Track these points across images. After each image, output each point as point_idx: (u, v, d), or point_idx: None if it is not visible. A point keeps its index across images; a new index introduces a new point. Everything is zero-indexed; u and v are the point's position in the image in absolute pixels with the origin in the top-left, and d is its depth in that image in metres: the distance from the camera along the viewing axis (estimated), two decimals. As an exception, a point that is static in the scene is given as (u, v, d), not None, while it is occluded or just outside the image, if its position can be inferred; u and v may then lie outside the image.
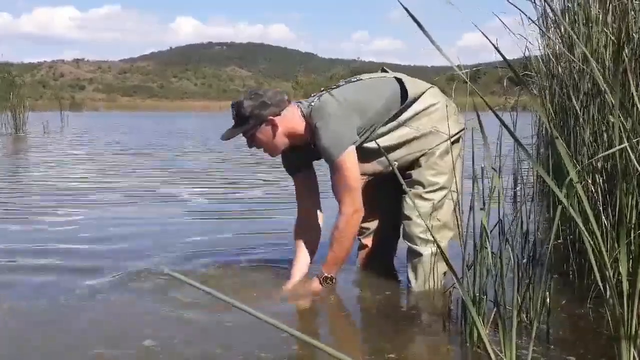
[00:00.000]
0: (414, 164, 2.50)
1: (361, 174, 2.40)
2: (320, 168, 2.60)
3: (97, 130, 17.48)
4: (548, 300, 1.88)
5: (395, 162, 2.44)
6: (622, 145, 1.44)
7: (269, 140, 2.44)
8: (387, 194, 2.60)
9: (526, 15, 2.10)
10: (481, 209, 1.78)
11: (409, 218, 2.48)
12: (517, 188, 3.97)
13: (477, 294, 1.82)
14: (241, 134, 2.43)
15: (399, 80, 2.48)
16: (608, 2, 2.36)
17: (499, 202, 1.84)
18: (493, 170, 1.71)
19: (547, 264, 1.93)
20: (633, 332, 1.45)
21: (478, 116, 1.54)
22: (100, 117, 32.44)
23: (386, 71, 2.60)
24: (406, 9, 1.09)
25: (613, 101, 1.37)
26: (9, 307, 2.27)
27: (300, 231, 2.62)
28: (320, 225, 2.60)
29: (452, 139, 2.48)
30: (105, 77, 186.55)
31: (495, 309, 1.78)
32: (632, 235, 1.77)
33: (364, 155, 2.40)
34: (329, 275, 2.43)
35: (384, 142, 2.44)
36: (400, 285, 2.56)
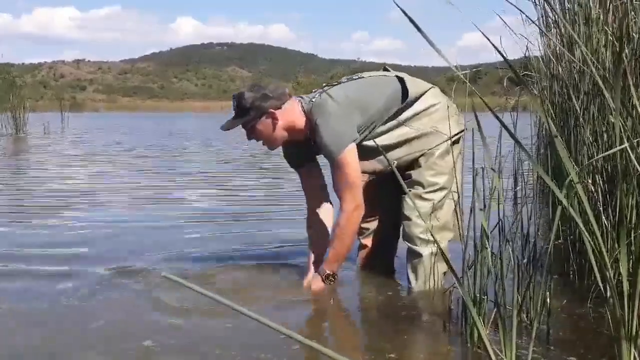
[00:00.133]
0: (414, 164, 2.50)
1: (361, 172, 2.41)
2: (324, 166, 2.60)
3: (97, 131, 17.47)
4: (548, 300, 1.88)
5: (395, 161, 2.44)
6: (622, 146, 1.43)
7: (268, 132, 2.45)
8: (387, 193, 2.60)
9: (526, 15, 2.10)
10: (481, 209, 1.78)
11: (408, 218, 2.48)
12: (518, 188, 3.97)
13: (478, 294, 1.81)
14: (241, 126, 2.44)
15: (401, 80, 2.48)
16: (608, 2, 2.35)
17: (499, 203, 1.84)
18: (492, 170, 1.71)
19: (548, 264, 1.92)
20: (633, 332, 1.45)
21: (476, 117, 1.54)
22: (101, 118, 32.44)
23: (388, 70, 2.60)
24: (404, 11, 1.09)
25: (613, 102, 1.37)
26: (9, 307, 2.27)
27: (312, 224, 2.63)
28: (331, 217, 2.59)
29: (452, 140, 2.48)
30: (105, 77, 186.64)
31: (495, 309, 1.78)
32: (633, 235, 1.77)
33: (364, 153, 2.40)
34: (331, 273, 2.44)
35: (383, 140, 2.44)
36: (400, 286, 2.56)
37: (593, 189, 2.29)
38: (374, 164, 2.48)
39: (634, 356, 1.46)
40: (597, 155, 2.32)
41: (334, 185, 2.41)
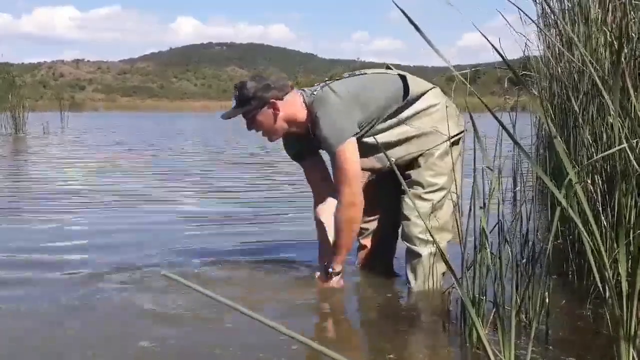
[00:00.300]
0: (413, 164, 2.50)
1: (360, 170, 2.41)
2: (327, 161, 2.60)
3: (96, 131, 17.47)
4: (547, 300, 1.88)
5: (393, 159, 2.45)
6: (621, 146, 1.44)
7: (269, 123, 2.45)
8: (387, 193, 2.60)
9: (526, 14, 2.09)
10: (480, 207, 1.78)
11: (408, 218, 2.48)
12: (517, 189, 3.97)
13: (477, 295, 1.82)
14: (242, 115, 2.45)
15: (403, 78, 2.49)
16: (608, 2, 2.35)
17: (498, 203, 1.84)
18: (489, 169, 1.71)
19: (546, 264, 1.92)
20: (632, 332, 1.45)
21: (471, 117, 1.55)
22: (100, 118, 32.43)
23: (390, 68, 2.61)
24: (403, 12, 1.09)
25: (612, 102, 1.37)
26: (9, 307, 2.27)
27: (319, 220, 2.63)
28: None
29: (452, 141, 2.48)
30: (105, 77, 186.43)
31: (494, 310, 1.78)
32: (631, 235, 1.77)
33: (363, 150, 2.41)
34: (340, 271, 2.48)
35: (383, 138, 2.44)
36: (399, 286, 2.56)
37: (592, 190, 2.29)
38: (373, 162, 2.48)
39: (633, 356, 1.46)
40: (596, 156, 2.32)
41: (334, 178, 2.42)
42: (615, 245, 1.94)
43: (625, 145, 1.45)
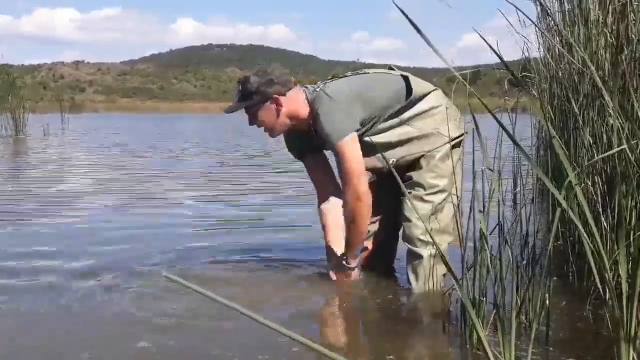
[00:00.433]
0: (415, 165, 2.50)
1: None
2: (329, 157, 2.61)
3: (96, 132, 17.47)
4: (547, 302, 1.88)
5: (394, 160, 2.45)
6: (620, 147, 1.44)
7: (271, 119, 2.46)
8: (388, 195, 2.60)
9: (526, 16, 2.10)
10: (480, 210, 1.78)
11: (409, 220, 2.48)
12: (517, 190, 3.97)
13: (477, 296, 1.81)
14: (244, 110, 2.46)
15: (405, 78, 2.49)
16: (608, 3, 2.36)
17: (498, 204, 1.84)
18: (490, 170, 1.71)
19: (547, 265, 1.92)
20: (632, 333, 1.45)
21: (474, 118, 1.55)
22: (100, 119, 32.44)
23: (393, 69, 2.61)
24: (403, 12, 1.09)
25: (612, 103, 1.37)
26: (8, 307, 2.27)
27: (323, 214, 2.64)
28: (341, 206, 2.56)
29: (453, 143, 2.48)
30: (105, 78, 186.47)
31: (494, 311, 1.78)
32: (632, 237, 1.77)
33: (365, 150, 2.41)
34: (354, 266, 2.51)
35: (384, 138, 2.45)
36: (400, 287, 2.56)
37: (592, 191, 2.29)
38: (374, 162, 2.48)
39: (633, 357, 1.47)
40: (596, 157, 2.32)
41: (338, 175, 2.44)
42: (615, 246, 1.94)
43: (625, 146, 1.45)
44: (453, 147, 2.49)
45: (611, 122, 2.10)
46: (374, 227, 2.72)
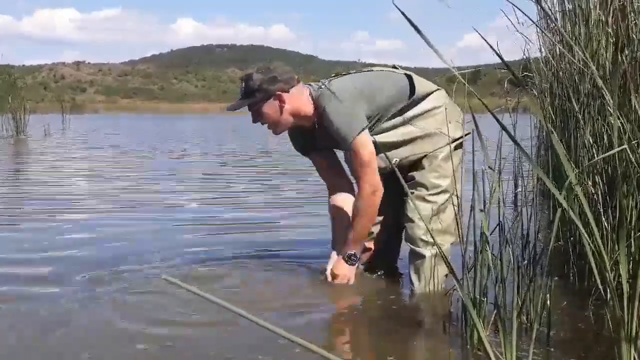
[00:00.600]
0: (417, 165, 2.50)
1: None
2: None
3: (97, 133, 17.47)
4: (548, 302, 1.88)
5: (397, 160, 2.45)
6: (621, 147, 1.44)
7: (274, 116, 2.46)
8: (391, 194, 2.60)
9: (526, 16, 2.09)
10: (481, 210, 1.78)
11: (411, 220, 2.48)
12: (518, 190, 3.96)
13: (478, 296, 1.81)
14: (247, 108, 2.46)
15: (409, 77, 2.49)
16: (609, 3, 2.35)
17: (499, 204, 1.84)
18: (490, 169, 1.71)
19: (547, 266, 1.92)
20: (633, 333, 1.45)
21: (474, 118, 1.54)
22: (101, 119, 32.44)
23: (397, 68, 2.62)
24: (403, 14, 1.09)
25: (612, 103, 1.37)
26: (9, 309, 2.27)
27: (333, 210, 2.64)
28: (351, 201, 2.55)
29: (456, 143, 2.48)
30: (105, 79, 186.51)
31: (495, 311, 1.78)
32: (632, 237, 1.77)
33: None
34: (352, 253, 2.48)
35: (387, 137, 2.45)
36: (402, 287, 2.56)
37: (593, 191, 2.29)
38: (378, 161, 2.48)
39: (634, 357, 1.46)
40: (597, 157, 2.32)
41: (350, 170, 2.45)
42: (616, 246, 1.94)
43: (625, 146, 1.45)
44: (455, 147, 2.49)
45: (612, 121, 2.10)
46: (377, 228, 2.72)
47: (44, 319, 2.16)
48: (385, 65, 2.72)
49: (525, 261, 2.06)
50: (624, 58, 2.05)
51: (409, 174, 2.51)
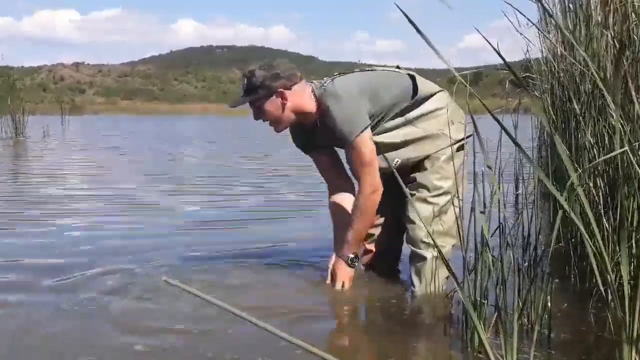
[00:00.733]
0: (419, 166, 2.50)
1: None
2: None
3: (96, 135, 17.48)
4: (549, 304, 1.88)
5: (398, 160, 2.45)
6: (622, 149, 1.43)
7: (276, 113, 2.45)
8: (392, 195, 2.60)
9: (527, 19, 2.09)
10: (481, 212, 1.77)
11: (413, 222, 2.47)
12: (519, 191, 3.96)
13: (478, 298, 1.81)
14: (249, 104, 2.46)
15: (412, 77, 2.49)
16: (610, 3, 2.35)
17: (499, 206, 1.84)
18: (489, 169, 1.71)
19: (548, 267, 1.92)
20: (635, 335, 1.45)
21: (473, 120, 1.54)
22: (100, 121, 32.47)
23: (400, 68, 2.61)
24: (405, 14, 1.09)
25: (614, 104, 1.37)
26: (8, 312, 2.26)
27: (333, 209, 2.64)
28: (352, 200, 2.54)
29: (458, 145, 2.47)
30: (105, 80, 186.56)
31: (496, 313, 1.78)
32: (634, 238, 1.77)
33: None
34: (354, 256, 2.48)
35: (389, 137, 2.45)
36: (403, 289, 2.55)
37: (594, 192, 2.29)
38: (379, 161, 2.47)
39: (635, 359, 1.46)
40: (598, 158, 2.32)
41: (351, 168, 2.45)
42: (617, 248, 1.94)
43: (627, 148, 1.45)
44: (458, 149, 2.49)
45: (613, 123, 2.09)
46: (377, 230, 2.71)
47: (42, 319, 2.16)
48: (385, 65, 2.71)
49: (526, 263, 2.06)
50: (624, 59, 2.04)
51: (411, 175, 2.51)
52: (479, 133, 1.53)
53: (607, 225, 2.17)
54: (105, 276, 2.68)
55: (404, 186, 1.38)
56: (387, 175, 2.49)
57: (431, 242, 2.39)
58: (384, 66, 2.70)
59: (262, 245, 3.35)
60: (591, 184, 2.32)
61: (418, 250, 2.45)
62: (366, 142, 2.36)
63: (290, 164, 8.08)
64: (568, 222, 2.53)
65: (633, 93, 1.85)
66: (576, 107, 2.51)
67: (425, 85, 2.50)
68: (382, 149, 2.42)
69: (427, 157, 2.48)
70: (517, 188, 3.79)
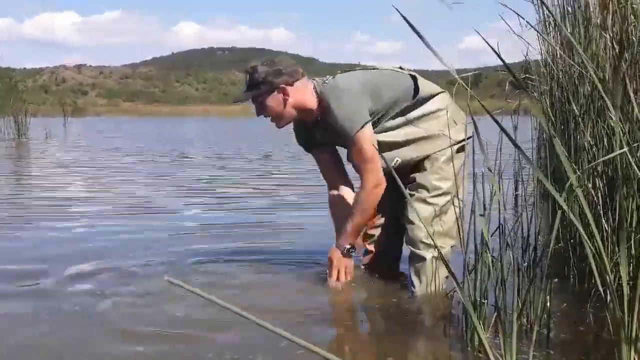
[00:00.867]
0: (419, 167, 2.51)
1: None
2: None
3: (97, 137, 17.50)
4: (548, 304, 1.88)
5: (398, 160, 2.46)
6: (621, 150, 1.44)
7: (278, 108, 2.47)
8: (392, 197, 2.60)
9: (527, 21, 2.10)
10: (481, 215, 1.78)
11: (412, 222, 2.48)
12: (518, 192, 3.96)
13: (478, 298, 1.81)
14: (251, 100, 2.47)
15: (413, 77, 2.50)
16: (609, 4, 2.36)
17: (499, 207, 1.84)
18: (489, 171, 1.72)
19: (548, 268, 1.92)
20: (634, 335, 1.45)
21: (474, 122, 1.55)
22: (102, 123, 32.50)
23: (402, 68, 2.63)
24: (405, 18, 1.10)
25: (613, 106, 1.38)
26: (8, 314, 2.27)
27: (333, 207, 2.65)
28: (351, 198, 2.57)
29: (458, 146, 2.48)
30: (107, 82, 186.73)
31: (495, 313, 1.78)
32: (633, 239, 1.77)
33: None
34: (350, 246, 2.49)
35: (390, 137, 2.46)
36: (402, 289, 2.56)
37: (593, 193, 2.29)
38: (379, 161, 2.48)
39: (634, 359, 1.46)
40: (597, 159, 2.32)
41: (353, 164, 2.45)
42: (616, 248, 1.94)
43: (625, 149, 1.45)
44: (458, 150, 2.49)
45: (612, 124, 2.10)
46: (377, 230, 2.72)
47: (43, 320, 2.16)
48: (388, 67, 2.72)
49: (526, 263, 2.07)
50: (623, 61, 2.05)
51: (411, 175, 2.51)
52: (479, 134, 1.54)
53: (606, 226, 2.18)
54: (106, 276, 2.69)
55: (402, 187, 1.39)
56: (386, 176, 2.50)
57: (431, 242, 2.40)
58: (387, 68, 2.71)
59: (262, 245, 3.36)
60: (590, 185, 2.32)
61: (417, 251, 2.46)
62: (367, 137, 2.37)
63: (290, 164, 8.10)
64: (567, 222, 2.54)
65: (632, 94, 1.86)
66: (575, 108, 2.51)
67: (426, 86, 2.51)
68: (383, 147, 2.43)
69: (427, 157, 2.49)
70: (516, 189, 3.80)
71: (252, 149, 12.11)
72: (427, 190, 2.47)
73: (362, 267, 2.75)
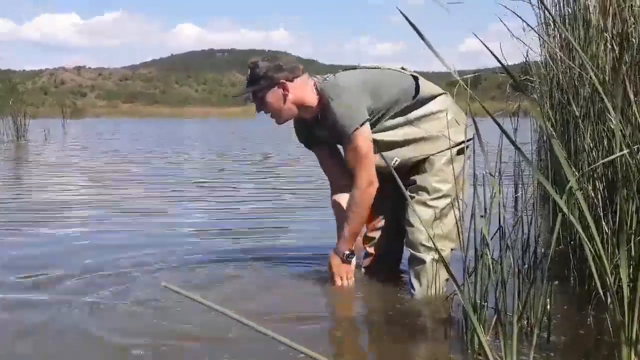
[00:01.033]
0: (418, 168, 2.50)
1: None
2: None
3: (96, 138, 17.49)
4: (549, 306, 1.88)
5: (397, 159, 2.45)
6: (621, 152, 1.44)
7: (278, 104, 2.47)
8: (392, 199, 2.60)
9: (526, 22, 2.10)
10: (481, 216, 1.78)
11: (412, 225, 2.47)
12: (518, 194, 3.96)
13: (478, 301, 1.81)
14: (251, 96, 2.48)
15: (415, 78, 2.50)
16: (608, 6, 2.36)
17: (499, 209, 1.84)
18: (490, 175, 1.71)
19: (548, 270, 1.92)
20: (634, 338, 1.45)
21: (475, 124, 1.55)
22: (101, 124, 32.49)
23: (405, 69, 2.63)
24: (406, 17, 1.10)
25: (613, 108, 1.37)
26: (8, 316, 2.26)
27: (335, 205, 2.64)
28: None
29: (459, 148, 2.48)
30: (106, 83, 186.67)
31: (496, 316, 1.78)
32: (633, 241, 1.77)
33: None
34: (349, 252, 2.50)
35: (389, 136, 2.46)
36: (402, 292, 2.55)
37: (593, 195, 2.29)
38: (379, 160, 2.48)
39: (635, 362, 1.46)
40: (597, 161, 2.32)
41: (347, 162, 2.45)
42: (616, 250, 1.94)
43: (625, 151, 1.45)
44: (458, 152, 2.49)
45: (612, 126, 2.10)
46: (377, 233, 2.72)
47: (39, 325, 2.14)
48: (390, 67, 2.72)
49: (526, 265, 2.06)
50: (622, 63, 2.05)
51: (410, 177, 2.51)
52: (480, 136, 1.54)
53: (606, 228, 2.17)
54: (103, 280, 2.68)
55: (403, 188, 1.39)
56: (386, 176, 2.49)
57: (431, 245, 2.39)
58: (389, 68, 2.71)
59: (261, 248, 3.36)
60: (590, 187, 2.32)
61: (417, 254, 2.45)
62: (364, 136, 2.37)
63: (290, 165, 8.10)
64: (567, 225, 2.53)
65: (632, 96, 1.86)
66: (575, 110, 2.51)
67: (428, 87, 2.52)
68: (382, 147, 2.43)
69: (427, 159, 2.48)
70: (516, 191, 3.79)
71: (252, 150, 12.11)
72: (428, 192, 2.46)
73: (363, 269, 2.74)
